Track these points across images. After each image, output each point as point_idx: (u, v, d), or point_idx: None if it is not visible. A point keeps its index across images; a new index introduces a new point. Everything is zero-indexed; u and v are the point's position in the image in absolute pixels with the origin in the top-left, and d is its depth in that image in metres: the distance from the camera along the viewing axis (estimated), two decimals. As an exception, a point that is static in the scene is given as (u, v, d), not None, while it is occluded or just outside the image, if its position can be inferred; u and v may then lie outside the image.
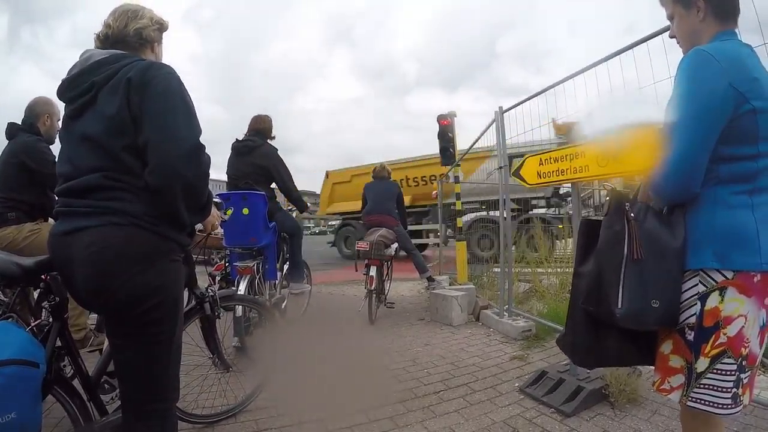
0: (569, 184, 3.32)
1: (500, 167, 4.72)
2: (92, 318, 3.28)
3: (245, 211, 3.83)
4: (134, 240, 1.42)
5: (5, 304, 2.53)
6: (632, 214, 1.45)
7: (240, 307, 3.31)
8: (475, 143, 6.05)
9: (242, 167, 4.32)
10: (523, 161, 3.54)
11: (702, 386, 1.34)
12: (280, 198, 4.91)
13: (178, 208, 1.47)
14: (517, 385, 3.14)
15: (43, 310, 1.68)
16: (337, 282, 8.59)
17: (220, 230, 2.85)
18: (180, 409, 2.14)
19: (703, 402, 1.35)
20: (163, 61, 1.70)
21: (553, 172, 3.17)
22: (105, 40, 1.66)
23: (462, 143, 7.38)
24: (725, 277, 1.32)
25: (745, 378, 1.34)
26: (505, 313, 4.72)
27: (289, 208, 4.90)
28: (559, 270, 6.35)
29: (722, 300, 1.32)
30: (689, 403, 1.38)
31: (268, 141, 4.52)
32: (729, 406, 1.32)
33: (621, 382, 2.76)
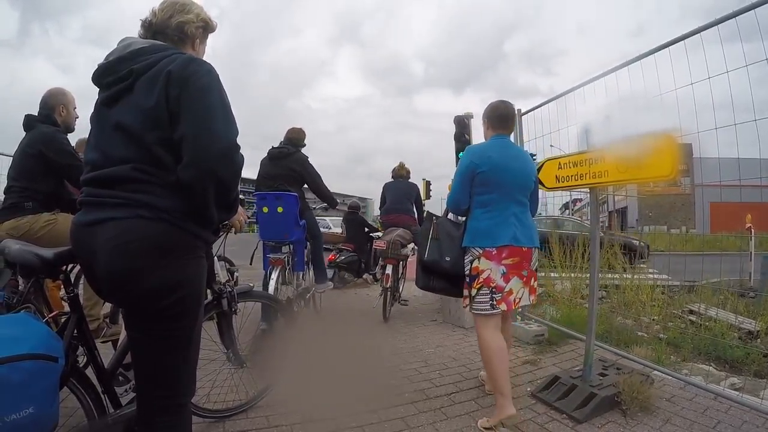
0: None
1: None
2: (105, 307, 3.30)
3: (280, 209, 4.19)
4: (159, 234, 1.41)
5: (20, 294, 2.56)
6: (435, 220, 3.04)
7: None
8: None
9: (277, 170, 4.66)
10: (542, 165, 3.52)
11: (474, 302, 2.66)
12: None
13: (208, 204, 1.47)
14: (529, 389, 3.13)
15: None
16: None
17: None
18: (193, 404, 2.16)
19: (475, 309, 2.67)
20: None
21: (572, 176, 3.15)
22: (148, 27, 1.66)
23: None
24: (479, 252, 2.66)
25: (497, 296, 2.60)
26: (518, 317, 4.70)
27: (323, 206, 5.23)
28: (572, 275, 6.31)
29: (479, 262, 2.65)
30: (471, 311, 2.74)
31: (300, 149, 4.90)
32: (487, 310, 2.61)
33: (634, 390, 2.75)
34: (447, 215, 3.08)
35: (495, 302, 2.59)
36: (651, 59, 3.00)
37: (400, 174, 6.56)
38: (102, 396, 1.70)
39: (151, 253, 1.39)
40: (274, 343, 2.96)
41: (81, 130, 3.43)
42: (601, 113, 3.23)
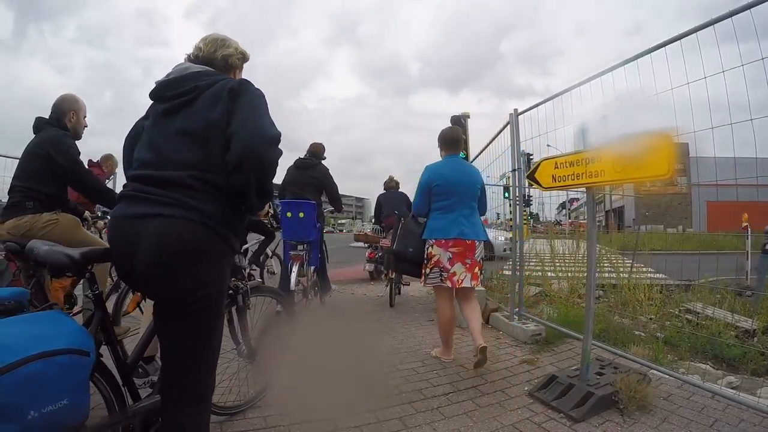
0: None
1: (514, 170, 4.72)
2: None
3: (301, 215, 5.03)
4: (201, 237, 1.55)
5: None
6: (402, 221, 4.33)
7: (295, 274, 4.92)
8: (488, 145, 6.04)
9: (303, 179, 5.59)
10: (538, 164, 3.52)
11: (428, 278, 3.69)
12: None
13: (251, 187, 1.61)
14: (526, 389, 3.13)
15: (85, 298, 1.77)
16: (344, 281, 8.61)
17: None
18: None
19: (429, 282, 3.70)
20: None
21: (568, 176, 3.15)
22: (195, 60, 1.91)
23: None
24: (432, 242, 3.66)
25: (444, 275, 3.58)
26: (515, 316, 4.71)
27: (330, 209, 6.22)
28: (569, 274, 6.32)
29: (432, 249, 3.65)
30: (425, 285, 3.80)
31: (322, 161, 5.88)
32: (437, 283, 3.63)
33: (631, 389, 2.76)
34: (412, 217, 4.12)
35: (442, 279, 3.61)
36: (647, 59, 3.01)
37: (390, 186, 7.75)
38: (123, 389, 1.78)
39: (189, 254, 1.53)
40: (277, 341, 2.98)
41: (86, 137, 3.47)
42: (597, 113, 3.24)
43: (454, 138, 3.89)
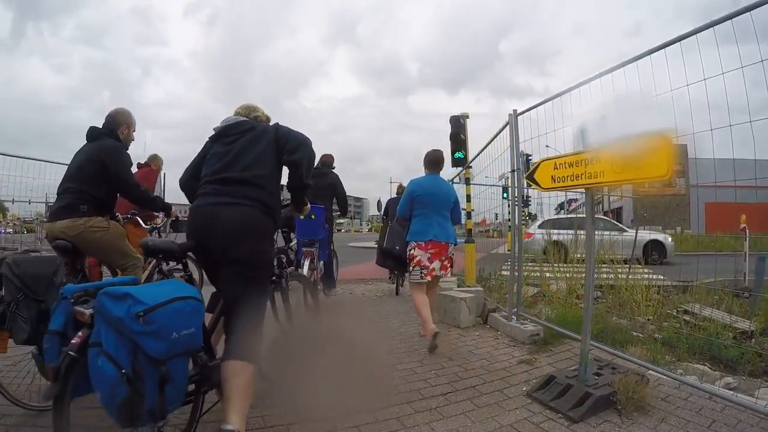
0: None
1: (513, 170, 4.72)
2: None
3: (312, 216, 5.57)
4: (262, 221, 2.38)
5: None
6: (390, 224, 5.38)
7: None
8: (488, 145, 6.05)
9: (316, 186, 5.85)
10: (538, 165, 3.52)
11: (411, 274, 4.45)
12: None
13: (303, 177, 2.56)
14: (524, 389, 3.13)
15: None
16: (343, 281, 8.55)
17: None
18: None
19: (411, 279, 4.47)
20: None
21: (567, 177, 3.15)
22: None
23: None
24: (414, 244, 4.41)
25: (423, 272, 4.32)
26: (513, 316, 4.72)
27: (337, 212, 7.04)
28: (567, 275, 6.32)
29: (414, 251, 4.40)
30: (410, 281, 4.65)
31: (333, 170, 6.83)
32: (418, 280, 4.35)
33: (629, 390, 2.76)
34: (396, 220, 4.90)
35: (422, 275, 4.32)
36: (647, 60, 3.01)
37: (399, 192, 8.05)
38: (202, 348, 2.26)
39: (255, 231, 2.35)
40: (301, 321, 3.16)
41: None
42: (597, 113, 3.24)
43: (435, 160, 4.65)
